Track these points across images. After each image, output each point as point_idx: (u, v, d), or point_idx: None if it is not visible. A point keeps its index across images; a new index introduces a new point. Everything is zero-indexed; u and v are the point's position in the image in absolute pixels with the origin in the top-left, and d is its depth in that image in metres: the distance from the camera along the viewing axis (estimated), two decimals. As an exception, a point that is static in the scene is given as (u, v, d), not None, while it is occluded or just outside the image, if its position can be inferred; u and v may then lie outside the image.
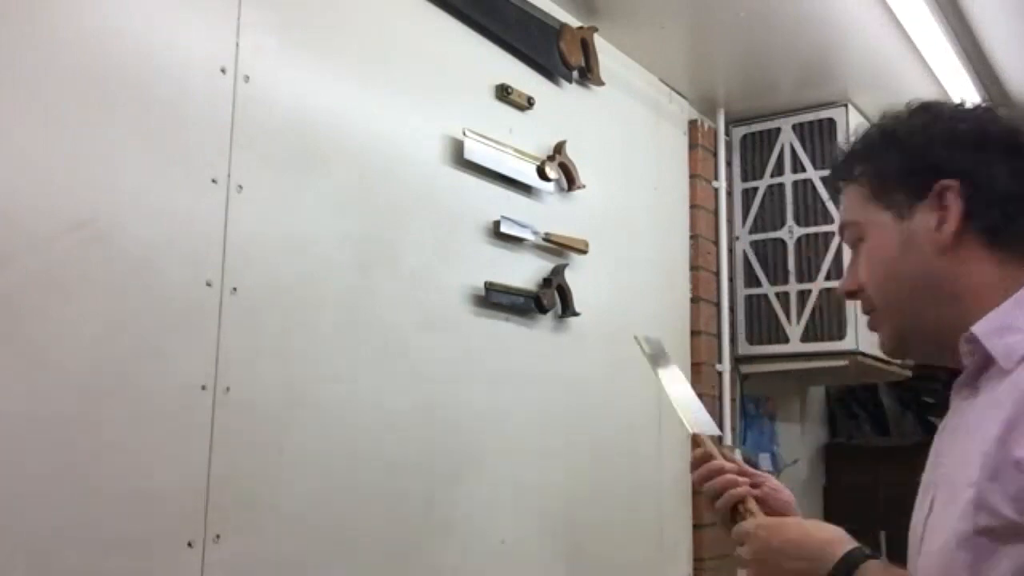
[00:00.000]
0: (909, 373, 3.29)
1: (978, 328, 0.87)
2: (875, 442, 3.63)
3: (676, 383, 1.28)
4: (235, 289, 1.42)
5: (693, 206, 2.90)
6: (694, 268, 2.86)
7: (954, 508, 0.81)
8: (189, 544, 1.32)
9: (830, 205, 2.95)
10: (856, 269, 1.00)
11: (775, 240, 3.02)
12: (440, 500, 1.79)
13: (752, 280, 3.03)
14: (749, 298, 3.02)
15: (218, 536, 1.35)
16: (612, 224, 2.40)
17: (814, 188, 2.97)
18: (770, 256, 3.02)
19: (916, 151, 0.95)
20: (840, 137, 2.96)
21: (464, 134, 1.91)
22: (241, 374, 1.42)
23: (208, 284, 1.38)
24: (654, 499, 2.50)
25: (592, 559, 2.21)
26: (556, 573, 2.10)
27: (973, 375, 0.90)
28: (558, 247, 2.15)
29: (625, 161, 2.56)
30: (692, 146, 2.92)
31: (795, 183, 3.01)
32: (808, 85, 2.88)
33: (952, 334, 0.90)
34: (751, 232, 3.06)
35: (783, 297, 2.96)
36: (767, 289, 2.99)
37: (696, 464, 1.15)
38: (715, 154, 3.02)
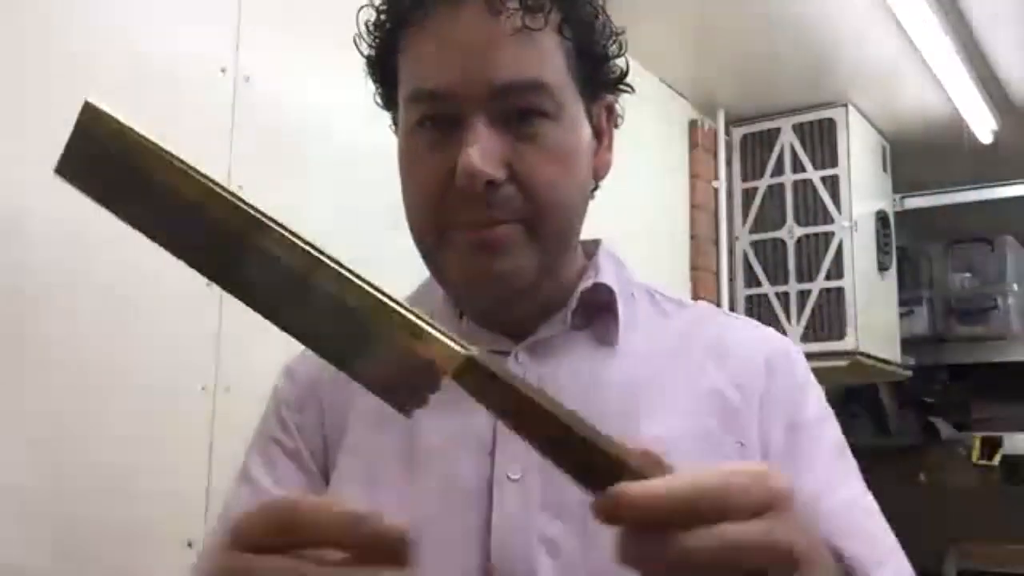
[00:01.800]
0: (910, 373, 3.30)
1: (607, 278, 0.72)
2: (875, 442, 3.63)
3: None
4: (235, 289, 1.42)
5: (693, 206, 2.90)
6: (694, 268, 2.86)
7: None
8: (189, 544, 1.32)
9: (830, 205, 2.95)
10: (507, 152, 0.63)
11: (775, 240, 3.02)
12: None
13: (752, 280, 3.03)
14: (749, 298, 3.02)
15: (218, 536, 1.36)
16: (612, 224, 2.40)
17: (814, 188, 2.97)
18: (770, 256, 3.02)
19: (617, 44, 0.72)
20: (840, 137, 2.97)
21: (464, 134, 1.91)
22: (241, 374, 1.42)
23: (208, 284, 1.38)
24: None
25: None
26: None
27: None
28: (558, 247, 2.15)
29: (625, 161, 2.55)
30: (692, 146, 2.93)
31: (795, 183, 3.01)
32: (808, 85, 2.88)
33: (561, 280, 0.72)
34: (751, 232, 3.07)
35: (783, 297, 2.97)
36: (767, 289, 2.99)
37: None
38: (715, 154, 3.02)
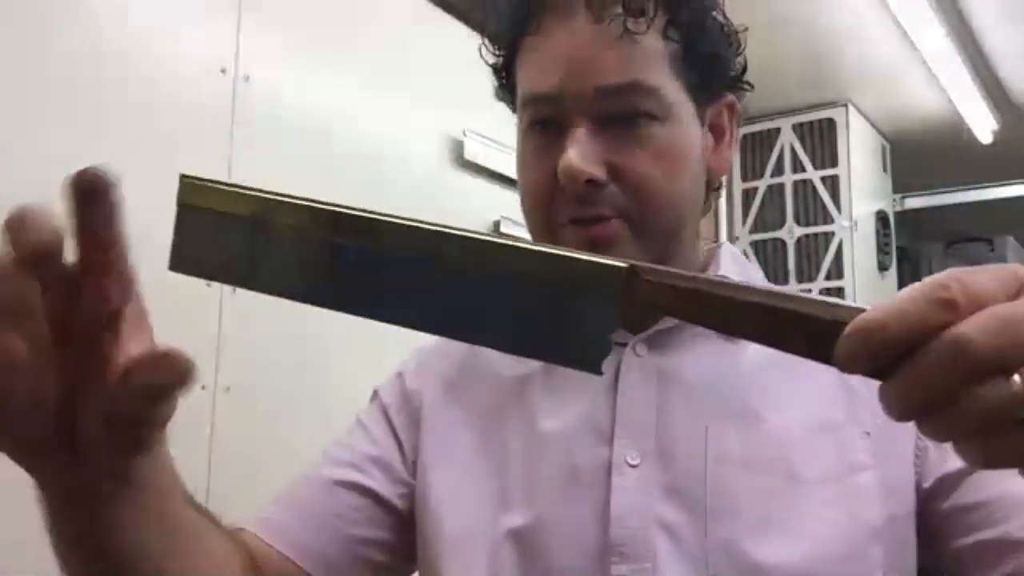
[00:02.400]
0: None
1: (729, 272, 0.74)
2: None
3: None
4: (235, 288, 1.42)
5: (693, 206, 2.90)
6: (694, 268, 2.87)
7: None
8: (189, 544, 1.32)
9: (830, 205, 2.95)
10: (608, 152, 0.65)
11: (775, 240, 3.02)
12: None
13: (752, 280, 3.03)
14: (749, 298, 3.02)
15: (218, 536, 1.36)
16: (612, 224, 2.40)
17: (814, 188, 2.97)
18: (770, 256, 3.02)
19: (732, 43, 0.75)
20: (840, 137, 2.97)
21: (464, 134, 1.91)
22: (241, 374, 1.42)
23: (208, 284, 1.38)
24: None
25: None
26: None
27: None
28: (558, 247, 2.15)
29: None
30: (692, 146, 2.93)
31: (795, 183, 3.01)
32: (808, 85, 2.88)
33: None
34: (751, 232, 3.07)
35: (783, 297, 2.97)
36: (767, 289, 3.00)
37: None
38: (715, 154, 3.02)
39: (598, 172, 0.64)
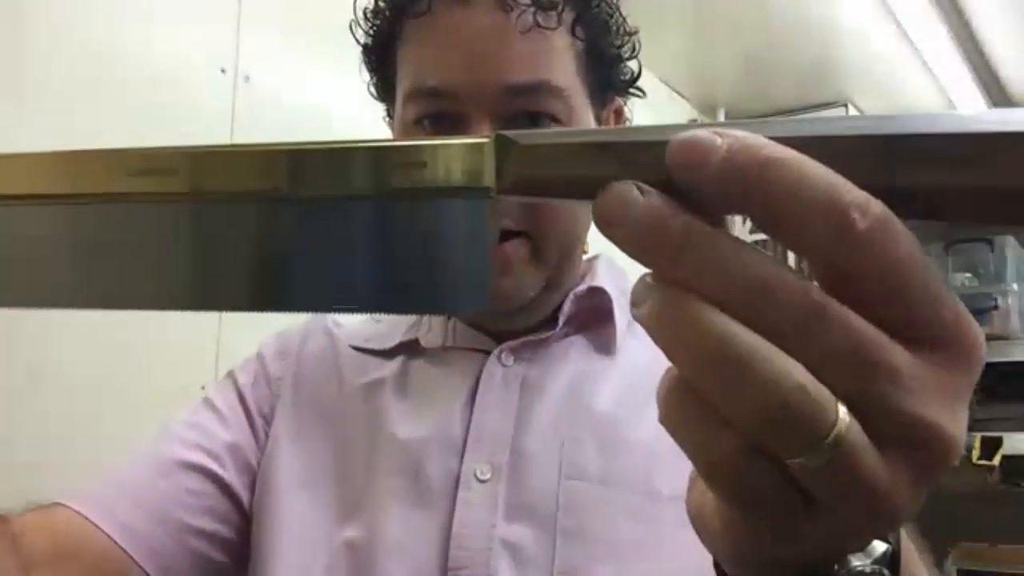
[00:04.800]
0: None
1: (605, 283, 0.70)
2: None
3: None
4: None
5: (693, 206, 2.91)
6: (694, 268, 2.87)
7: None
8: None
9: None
10: None
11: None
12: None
13: (752, 280, 3.03)
14: (749, 298, 3.02)
15: (218, 536, 1.36)
16: (612, 224, 2.40)
17: (814, 188, 2.98)
18: (770, 256, 3.02)
19: (632, 46, 0.70)
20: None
21: (464, 134, 1.91)
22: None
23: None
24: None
25: None
26: None
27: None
28: (558, 247, 2.15)
29: (625, 161, 2.56)
30: (692, 146, 2.93)
31: (795, 183, 3.01)
32: (808, 85, 2.88)
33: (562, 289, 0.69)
34: (751, 232, 3.06)
35: (783, 297, 2.97)
36: (767, 289, 3.00)
37: None
38: (715, 154, 3.02)
39: None
